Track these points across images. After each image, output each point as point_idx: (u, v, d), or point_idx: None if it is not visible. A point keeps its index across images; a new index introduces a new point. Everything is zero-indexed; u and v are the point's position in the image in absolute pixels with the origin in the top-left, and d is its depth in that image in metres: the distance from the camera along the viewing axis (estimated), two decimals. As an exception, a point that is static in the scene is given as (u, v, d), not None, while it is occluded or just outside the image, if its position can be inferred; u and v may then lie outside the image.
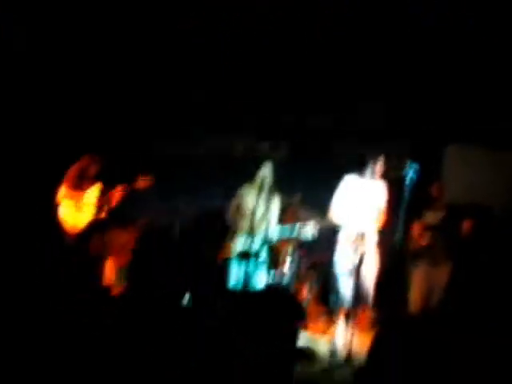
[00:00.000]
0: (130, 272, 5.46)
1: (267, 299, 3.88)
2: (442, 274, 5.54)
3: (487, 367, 2.14)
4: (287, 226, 5.57)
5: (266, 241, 5.45)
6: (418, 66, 6.34)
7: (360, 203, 5.15)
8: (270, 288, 5.39)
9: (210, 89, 6.99)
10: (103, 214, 5.73)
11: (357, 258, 4.94)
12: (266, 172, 5.55)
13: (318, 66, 6.64)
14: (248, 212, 5.43)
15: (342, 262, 5.10)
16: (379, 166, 5.23)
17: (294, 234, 5.48)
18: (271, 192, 5.51)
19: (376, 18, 5.76)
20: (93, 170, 5.80)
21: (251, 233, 5.33)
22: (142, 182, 5.71)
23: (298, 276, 6.25)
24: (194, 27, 6.10)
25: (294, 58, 6.51)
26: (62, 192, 5.68)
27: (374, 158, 5.22)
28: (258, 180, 5.54)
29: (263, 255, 5.49)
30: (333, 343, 5.04)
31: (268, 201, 5.45)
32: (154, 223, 6.92)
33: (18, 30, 5.97)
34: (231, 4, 5.73)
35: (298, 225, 5.51)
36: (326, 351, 4.98)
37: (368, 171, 5.21)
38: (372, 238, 5.14)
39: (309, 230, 5.50)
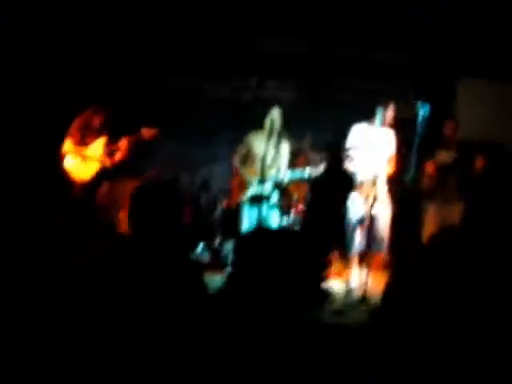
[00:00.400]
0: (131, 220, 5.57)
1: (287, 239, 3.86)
2: (455, 213, 5.52)
3: (501, 305, 2.12)
4: (298, 170, 5.53)
5: (276, 185, 5.43)
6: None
7: (370, 151, 5.08)
8: (287, 230, 5.41)
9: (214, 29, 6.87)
10: (110, 166, 5.73)
11: (368, 205, 4.92)
12: (274, 116, 5.45)
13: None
14: (258, 158, 5.39)
15: (354, 208, 5.08)
16: (389, 114, 5.13)
17: (305, 177, 5.44)
18: (280, 136, 5.45)
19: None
20: (97, 122, 5.74)
21: (262, 178, 5.30)
22: (148, 132, 5.64)
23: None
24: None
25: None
26: (67, 146, 5.67)
27: (385, 105, 5.10)
28: (266, 125, 5.46)
29: (274, 199, 5.48)
30: (347, 284, 5.08)
31: (277, 145, 5.40)
32: (163, 174, 6.93)
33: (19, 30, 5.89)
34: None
35: (308, 168, 5.45)
36: (340, 292, 5.03)
37: (378, 119, 5.10)
38: (383, 184, 5.10)
39: (320, 172, 5.45)
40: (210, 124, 7.00)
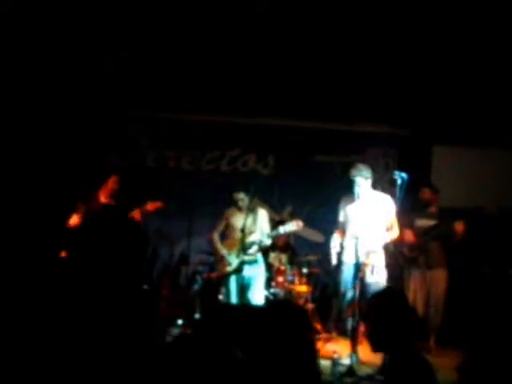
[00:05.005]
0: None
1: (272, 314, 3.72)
2: (439, 278, 5.49)
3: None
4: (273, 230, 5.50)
5: (260, 246, 5.40)
6: (399, 71, 6.34)
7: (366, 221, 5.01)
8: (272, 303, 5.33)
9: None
10: None
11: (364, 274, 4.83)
12: (240, 196, 5.48)
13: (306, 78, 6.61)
14: (237, 229, 5.41)
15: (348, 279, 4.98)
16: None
17: (281, 232, 5.37)
18: (254, 206, 5.53)
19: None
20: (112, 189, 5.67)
21: (243, 247, 5.34)
22: (152, 206, 5.56)
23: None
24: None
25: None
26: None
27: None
28: (240, 201, 5.48)
29: (260, 265, 5.44)
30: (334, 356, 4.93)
31: (254, 213, 5.43)
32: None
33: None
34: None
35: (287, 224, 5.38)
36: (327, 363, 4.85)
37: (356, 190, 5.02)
38: (378, 254, 5.01)
39: (291, 226, 5.36)
40: (189, 198, 6.93)
